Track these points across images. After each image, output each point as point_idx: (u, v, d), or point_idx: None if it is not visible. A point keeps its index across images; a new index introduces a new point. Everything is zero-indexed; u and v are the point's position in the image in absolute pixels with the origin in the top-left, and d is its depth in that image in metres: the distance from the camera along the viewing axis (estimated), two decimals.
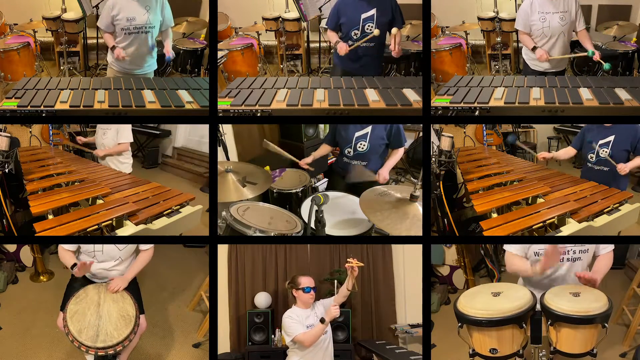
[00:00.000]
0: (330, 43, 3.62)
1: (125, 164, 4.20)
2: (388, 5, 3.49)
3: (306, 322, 2.80)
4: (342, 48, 3.46)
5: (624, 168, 3.26)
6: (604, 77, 3.56)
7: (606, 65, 3.31)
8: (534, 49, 3.54)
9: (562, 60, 3.60)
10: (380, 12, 3.46)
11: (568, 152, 3.68)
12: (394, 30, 3.45)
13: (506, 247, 2.71)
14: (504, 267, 3.19)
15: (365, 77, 3.35)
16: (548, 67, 3.56)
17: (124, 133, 4.12)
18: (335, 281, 3.56)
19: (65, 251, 2.86)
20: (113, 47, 3.51)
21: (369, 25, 3.45)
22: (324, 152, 3.77)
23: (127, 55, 3.49)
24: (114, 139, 4.10)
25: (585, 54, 3.46)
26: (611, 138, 3.34)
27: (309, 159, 3.60)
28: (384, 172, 3.47)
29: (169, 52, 3.65)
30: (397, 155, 3.57)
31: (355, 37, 3.50)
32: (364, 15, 3.46)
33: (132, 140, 4.21)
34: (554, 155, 3.65)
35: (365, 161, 3.51)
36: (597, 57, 3.41)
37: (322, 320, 2.76)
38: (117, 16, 3.45)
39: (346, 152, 3.55)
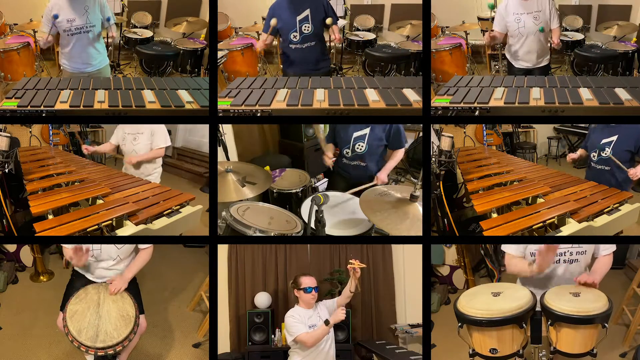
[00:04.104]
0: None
1: (153, 174, 3.89)
2: (320, 3, 3.53)
3: (308, 322, 2.80)
4: (259, 44, 3.66)
5: (635, 173, 3.18)
6: (604, 77, 3.56)
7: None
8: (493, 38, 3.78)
9: (538, 55, 3.72)
10: (314, 11, 3.49)
11: (582, 152, 3.68)
12: (328, 20, 3.53)
13: (504, 248, 2.70)
14: (504, 267, 3.18)
15: (365, 77, 3.35)
16: (530, 65, 3.73)
17: (161, 136, 3.80)
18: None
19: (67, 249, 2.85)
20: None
21: (305, 26, 3.48)
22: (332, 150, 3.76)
23: (69, 54, 3.55)
24: (148, 144, 3.82)
25: None
26: (614, 138, 3.32)
27: (330, 154, 3.58)
28: (382, 176, 3.47)
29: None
30: (397, 156, 3.57)
31: (294, 39, 3.52)
32: (299, 17, 3.49)
33: (169, 143, 3.90)
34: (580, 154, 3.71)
35: (364, 162, 3.51)
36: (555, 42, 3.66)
37: (326, 322, 2.75)
38: (57, 19, 3.47)
39: (344, 152, 3.55)
